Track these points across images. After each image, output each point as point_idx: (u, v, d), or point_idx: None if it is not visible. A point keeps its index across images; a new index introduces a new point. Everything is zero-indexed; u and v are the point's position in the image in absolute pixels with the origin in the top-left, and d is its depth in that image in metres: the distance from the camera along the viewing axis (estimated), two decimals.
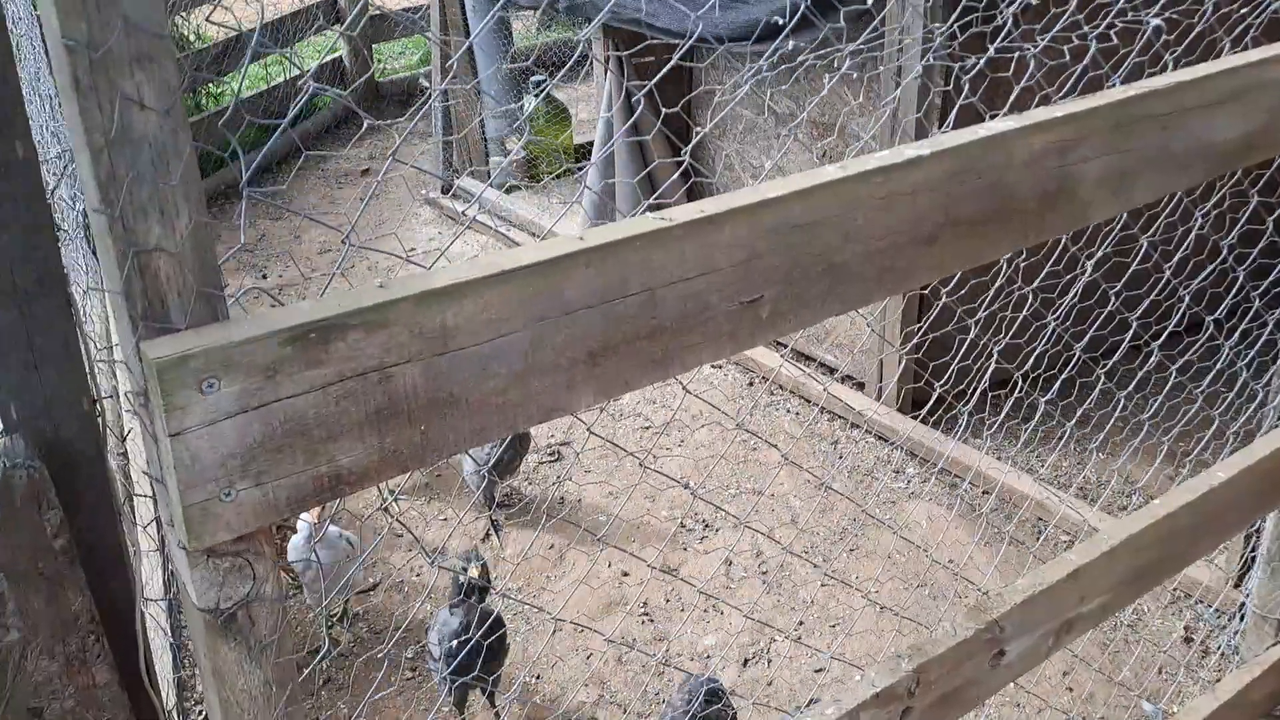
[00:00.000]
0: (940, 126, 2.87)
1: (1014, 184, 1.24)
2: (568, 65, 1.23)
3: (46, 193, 0.84)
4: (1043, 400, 1.62)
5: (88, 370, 0.86)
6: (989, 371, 1.53)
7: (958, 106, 1.35)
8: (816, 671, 2.32)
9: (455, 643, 2.06)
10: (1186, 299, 1.74)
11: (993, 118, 1.31)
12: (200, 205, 0.78)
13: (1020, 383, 1.62)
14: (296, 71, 5.55)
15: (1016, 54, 1.34)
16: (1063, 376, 1.63)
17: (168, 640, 1.21)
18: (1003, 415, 2.30)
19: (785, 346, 3.45)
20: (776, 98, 3.45)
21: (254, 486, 0.80)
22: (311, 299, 0.83)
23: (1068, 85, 1.44)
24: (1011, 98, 1.38)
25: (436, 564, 2.11)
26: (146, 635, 0.92)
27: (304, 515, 2.30)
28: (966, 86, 1.34)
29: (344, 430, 0.84)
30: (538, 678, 2.36)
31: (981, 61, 1.31)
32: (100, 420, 0.87)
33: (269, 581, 0.87)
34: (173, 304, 0.78)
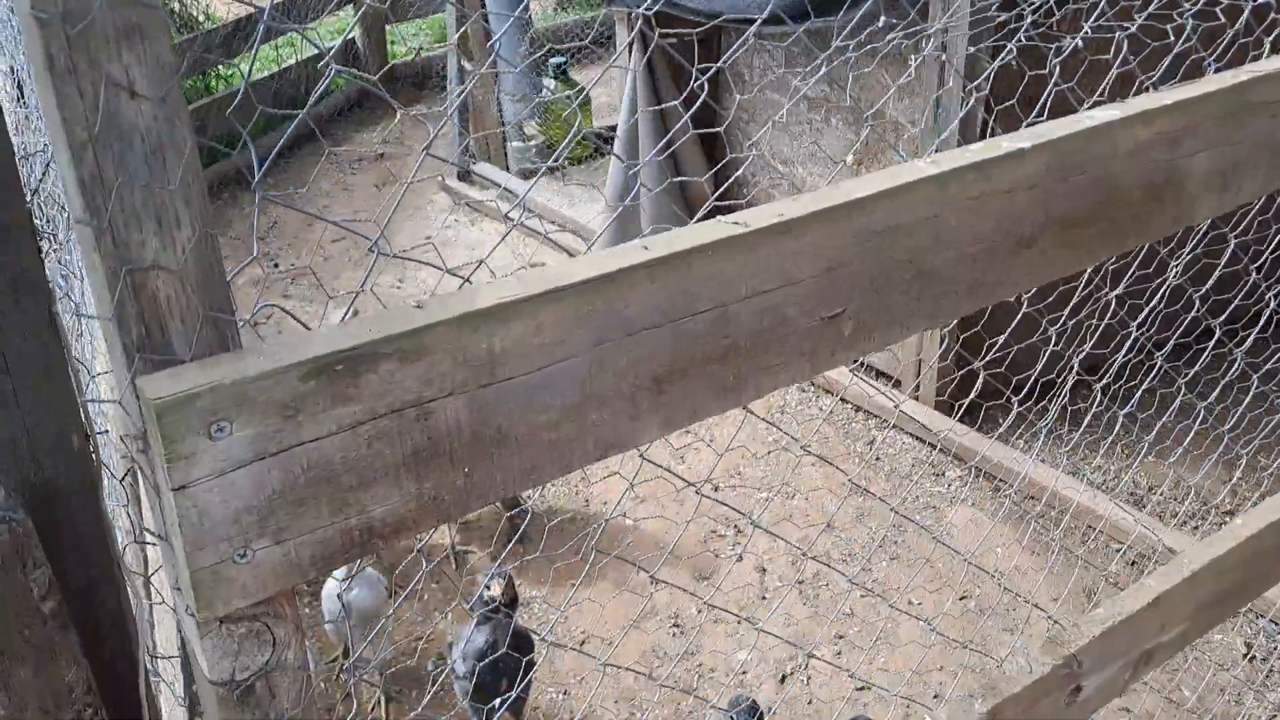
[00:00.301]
0: (989, 116, 2.72)
1: (1118, 180, 1.10)
2: (619, 55, 1.09)
3: (26, 193, 0.71)
4: (1122, 413, 1.49)
5: (78, 401, 0.74)
6: (1069, 385, 1.41)
7: (1051, 92, 1.21)
8: (860, 689, 2.21)
9: (481, 661, 1.95)
10: (1274, 302, 1.60)
11: (1087, 106, 1.18)
12: (205, 213, 0.65)
13: (1100, 396, 1.49)
14: (307, 54, 5.41)
15: (1115, 35, 1.20)
16: (1144, 386, 1.50)
17: (181, 702, 1.11)
18: (1082, 429, 2.15)
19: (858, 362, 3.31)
20: (809, 81, 3.30)
21: (273, 545, 0.69)
22: (333, 324, 0.71)
23: (1145, 70, 1.29)
24: (1106, 83, 1.24)
25: (476, 611, 1.99)
26: (154, 703, 0.80)
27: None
28: (1057, 70, 1.20)
29: (377, 476, 0.72)
30: (565, 694, 2.25)
31: (1077, 41, 1.17)
32: (95, 458, 0.75)
33: (291, 647, 0.75)
34: (174, 331, 0.66)
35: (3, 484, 0.71)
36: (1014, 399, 1.46)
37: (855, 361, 3.30)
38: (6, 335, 0.69)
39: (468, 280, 0.85)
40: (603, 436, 0.82)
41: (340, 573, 2.07)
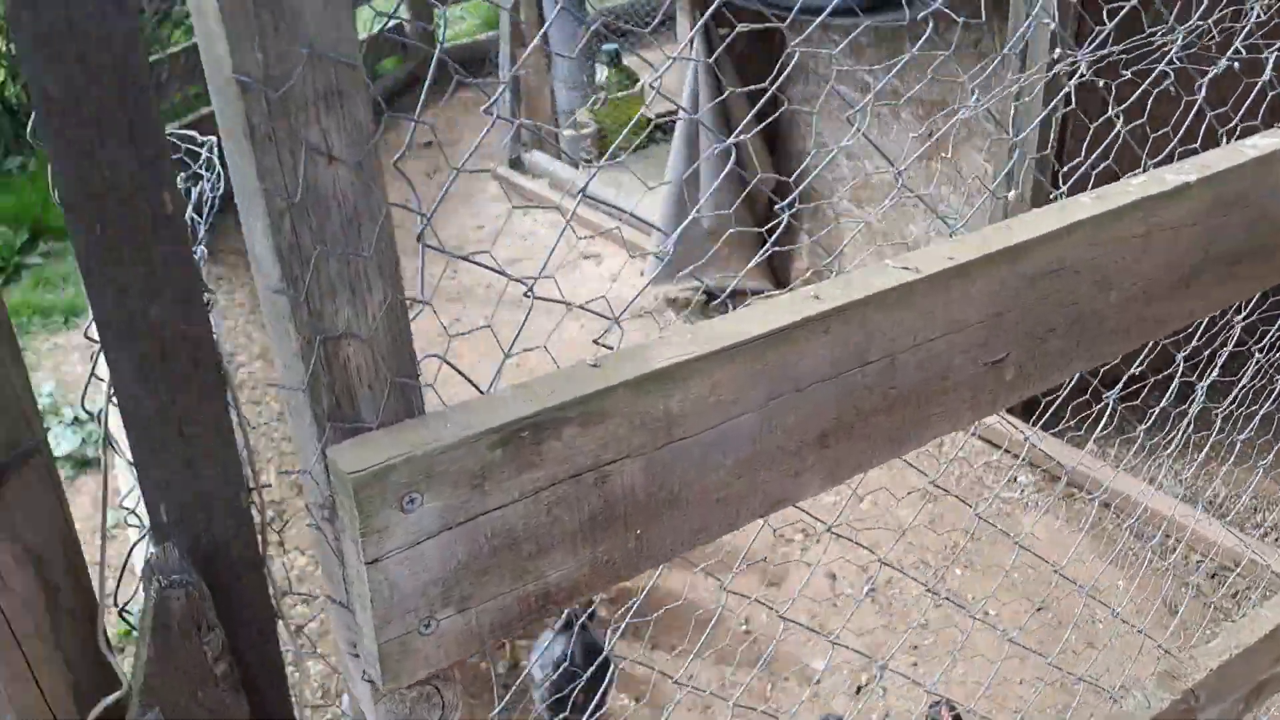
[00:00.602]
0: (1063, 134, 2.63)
1: (1277, 211, 1.05)
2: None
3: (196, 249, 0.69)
4: (1239, 439, 1.44)
5: (244, 457, 0.72)
6: (1194, 412, 1.36)
7: (1207, 118, 1.15)
8: (936, 704, 2.18)
9: (558, 669, 1.95)
10: None
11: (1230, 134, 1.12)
12: (396, 277, 0.63)
13: (1221, 424, 1.44)
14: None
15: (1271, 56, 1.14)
16: (1262, 411, 1.44)
17: None
18: (1203, 455, 2.05)
19: None
20: (877, 74, 3.23)
21: (456, 614, 0.67)
22: (513, 388, 0.68)
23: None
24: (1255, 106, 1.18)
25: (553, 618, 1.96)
26: None
27: None
28: (1201, 94, 1.14)
29: (555, 542, 0.69)
30: (637, 700, 2.25)
31: (1233, 63, 1.11)
32: (260, 516, 0.74)
33: (458, 709, 0.74)
34: (363, 398, 0.64)
35: (177, 546, 0.70)
36: (1140, 426, 1.41)
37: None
38: (184, 398, 0.67)
39: (615, 322, 0.82)
40: (769, 493, 0.79)
41: None
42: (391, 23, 5.75)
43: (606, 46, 4.63)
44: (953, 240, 0.86)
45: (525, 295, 0.79)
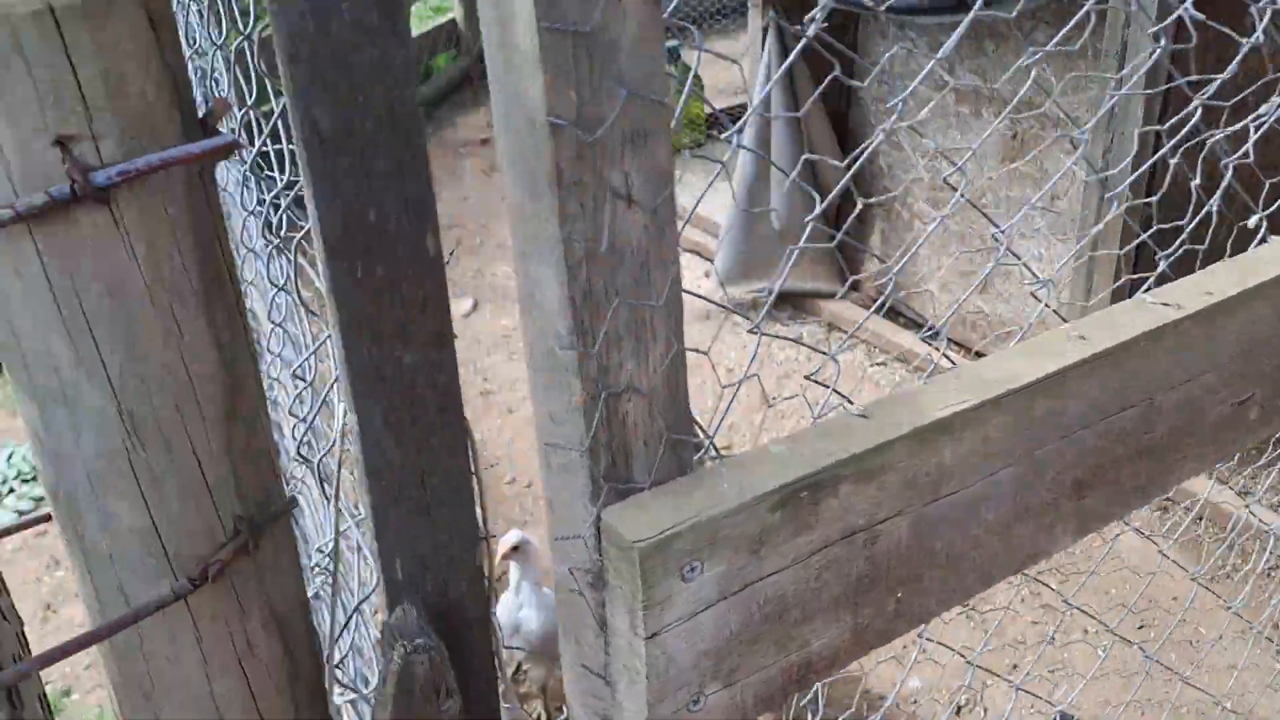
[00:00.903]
0: (1163, 116, 2.54)
1: None
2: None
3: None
4: None
5: (479, 509, 0.68)
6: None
7: None
8: None
9: None
10: None
11: None
12: (679, 326, 0.58)
13: None
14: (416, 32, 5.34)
15: None
16: None
17: None
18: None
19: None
20: (958, 72, 3.14)
21: (723, 689, 0.62)
22: (783, 443, 0.63)
23: None
24: None
25: None
26: None
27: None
28: None
29: (820, 608, 0.64)
30: None
31: None
32: (489, 570, 0.69)
33: None
34: (637, 455, 0.59)
35: (413, 604, 0.65)
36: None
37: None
38: (429, 448, 0.62)
39: (834, 356, 0.76)
40: (1022, 549, 0.73)
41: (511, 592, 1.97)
42: (444, 19, 5.72)
43: (667, 44, 4.56)
44: (1205, 273, 0.79)
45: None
